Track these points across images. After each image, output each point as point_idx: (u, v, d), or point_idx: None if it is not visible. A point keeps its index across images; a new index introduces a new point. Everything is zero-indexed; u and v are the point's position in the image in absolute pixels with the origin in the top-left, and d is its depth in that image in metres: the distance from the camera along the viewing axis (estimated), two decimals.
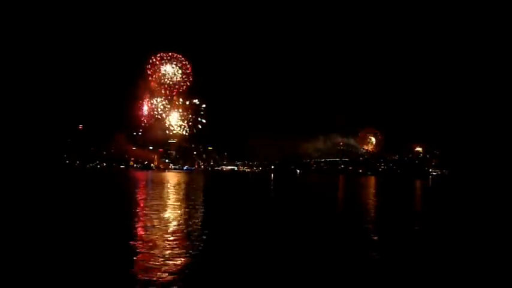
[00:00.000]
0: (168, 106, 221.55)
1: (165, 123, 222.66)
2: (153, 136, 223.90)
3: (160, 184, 52.21)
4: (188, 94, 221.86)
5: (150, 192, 37.19)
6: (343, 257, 11.78)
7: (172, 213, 20.47)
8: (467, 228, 18.77)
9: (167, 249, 11.73)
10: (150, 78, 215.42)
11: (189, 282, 8.98)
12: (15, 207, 21.38)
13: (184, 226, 16.53)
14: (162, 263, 10.22)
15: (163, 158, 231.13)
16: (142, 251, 11.52)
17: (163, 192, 36.96)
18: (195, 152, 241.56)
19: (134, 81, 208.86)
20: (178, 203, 26.56)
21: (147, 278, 8.94)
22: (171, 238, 13.51)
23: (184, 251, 11.69)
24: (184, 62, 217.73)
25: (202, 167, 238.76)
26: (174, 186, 46.99)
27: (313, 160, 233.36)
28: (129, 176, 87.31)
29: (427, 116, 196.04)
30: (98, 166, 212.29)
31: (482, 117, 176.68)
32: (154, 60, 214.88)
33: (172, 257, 10.86)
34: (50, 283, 8.68)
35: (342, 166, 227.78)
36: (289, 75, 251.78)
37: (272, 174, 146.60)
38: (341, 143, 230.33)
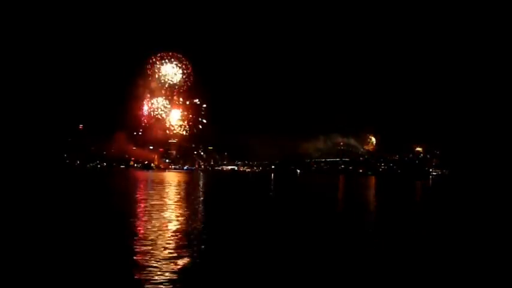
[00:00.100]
0: (169, 106, 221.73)
1: (166, 123, 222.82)
2: (153, 136, 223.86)
3: (161, 184, 52.21)
4: (188, 94, 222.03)
5: (150, 192, 37.19)
6: (343, 257, 11.79)
7: (172, 213, 20.48)
8: (467, 228, 18.77)
9: (167, 250, 11.73)
10: (150, 78, 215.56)
11: (189, 283, 8.99)
12: (15, 207, 21.39)
13: (184, 226, 16.54)
14: (162, 263, 10.21)
15: (164, 158, 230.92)
16: (143, 251, 11.52)
17: (164, 192, 36.97)
18: (195, 152, 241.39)
19: (134, 81, 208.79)
20: (179, 203, 26.56)
21: (147, 279, 8.94)
22: (172, 238, 13.52)
23: (184, 251, 11.70)
24: (184, 62, 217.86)
25: (203, 166, 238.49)
26: (174, 186, 47.00)
27: (313, 160, 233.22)
28: (130, 176, 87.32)
29: (427, 116, 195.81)
30: (98, 166, 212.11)
31: (482, 117, 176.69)
32: (154, 60, 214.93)
33: (173, 257, 10.87)
34: (49, 284, 8.68)
35: (342, 166, 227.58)
36: (289, 75, 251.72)
37: (272, 174, 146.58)
38: (341, 143, 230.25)
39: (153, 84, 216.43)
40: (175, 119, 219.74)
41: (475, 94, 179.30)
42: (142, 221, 17.92)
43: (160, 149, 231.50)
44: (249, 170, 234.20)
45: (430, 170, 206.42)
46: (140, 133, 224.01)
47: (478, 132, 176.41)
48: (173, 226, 16.24)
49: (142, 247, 11.99)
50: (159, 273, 9.36)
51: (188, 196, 34.69)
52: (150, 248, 11.91)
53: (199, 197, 34.26)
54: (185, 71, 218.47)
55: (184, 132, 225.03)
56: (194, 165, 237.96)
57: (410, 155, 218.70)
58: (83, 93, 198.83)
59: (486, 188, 64.80)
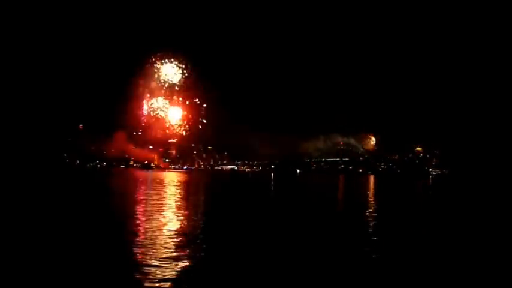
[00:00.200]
0: (168, 106, 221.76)
1: (165, 122, 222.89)
2: (153, 136, 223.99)
3: (161, 183, 52.20)
4: (188, 94, 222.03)
5: (150, 191, 37.17)
6: (342, 258, 11.77)
7: (172, 213, 20.46)
8: (467, 228, 18.75)
9: (167, 249, 11.71)
10: (150, 77, 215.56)
11: (189, 283, 8.96)
12: (15, 206, 21.36)
13: (185, 226, 16.53)
14: (162, 263, 10.19)
15: (164, 158, 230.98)
16: (143, 251, 11.50)
17: (164, 191, 36.94)
18: (195, 152, 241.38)
19: (134, 80, 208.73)
20: (179, 203, 26.54)
21: (147, 278, 8.92)
22: (172, 238, 13.50)
23: (185, 251, 11.69)
24: (184, 61, 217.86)
25: (203, 166, 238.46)
26: (174, 186, 46.99)
27: (313, 160, 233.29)
28: (129, 176, 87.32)
29: (427, 116, 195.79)
30: (98, 166, 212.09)
31: (482, 117, 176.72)
32: (154, 59, 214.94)
33: (173, 257, 10.85)
34: (49, 284, 8.66)
35: (342, 166, 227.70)
36: (289, 75, 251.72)
37: (272, 174, 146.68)
38: (341, 143, 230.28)
39: (153, 84, 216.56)
40: (175, 118, 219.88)
41: (474, 94, 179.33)
42: (142, 220, 17.90)
43: (160, 149, 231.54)
44: (248, 169, 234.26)
45: (430, 169, 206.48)
46: (140, 133, 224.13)
47: (478, 132, 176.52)
48: (173, 226, 16.23)
49: (142, 247, 11.98)
50: (159, 273, 9.35)
51: (188, 196, 34.68)
52: (150, 247, 11.90)
53: (200, 197, 34.27)
54: (185, 71, 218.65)
55: (184, 132, 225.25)
56: (194, 165, 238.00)
57: (410, 155, 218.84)
58: (82, 92, 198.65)
59: (486, 188, 64.80)
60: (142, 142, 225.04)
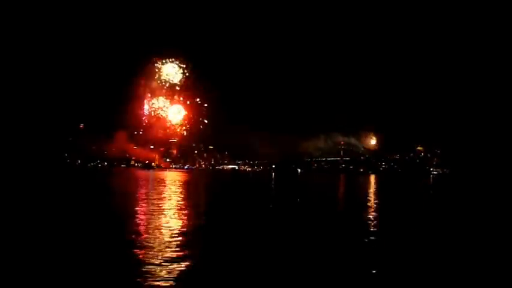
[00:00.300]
0: (169, 105, 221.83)
1: (166, 122, 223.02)
2: (154, 135, 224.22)
3: (162, 183, 52.26)
4: (189, 93, 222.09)
5: (151, 191, 37.23)
6: (343, 259, 11.82)
7: (173, 213, 20.50)
8: (467, 228, 18.78)
9: (168, 250, 11.71)
10: (151, 77, 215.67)
11: (189, 283, 9.01)
12: (16, 206, 21.44)
13: (185, 226, 16.58)
14: (162, 263, 10.20)
15: (165, 157, 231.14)
16: (143, 252, 11.50)
17: (165, 191, 36.99)
18: (196, 151, 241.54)
19: (135, 80, 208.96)
20: (180, 203, 26.57)
21: (147, 277, 8.95)
22: (172, 238, 13.50)
23: (185, 251, 11.68)
24: (185, 61, 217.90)
25: (203, 166, 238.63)
26: (175, 185, 47.04)
27: (314, 159, 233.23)
28: (130, 175, 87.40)
29: (428, 115, 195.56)
30: (99, 165, 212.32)
31: (482, 116, 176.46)
32: (155, 59, 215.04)
33: (173, 257, 10.85)
34: (49, 284, 8.71)
35: (343, 165, 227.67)
36: (290, 75, 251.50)
37: (273, 173, 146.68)
38: (342, 142, 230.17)
39: (154, 84, 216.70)
40: (175, 118, 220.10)
41: (475, 94, 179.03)
42: (143, 220, 17.96)
43: (161, 149, 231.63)
44: (249, 169, 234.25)
45: (431, 169, 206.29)
46: (141, 132, 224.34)
47: (478, 131, 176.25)
48: (174, 226, 16.25)
49: (143, 247, 11.99)
50: (159, 273, 9.36)
51: (189, 195, 34.74)
52: (151, 248, 11.92)
53: (201, 197, 34.34)
54: (186, 70, 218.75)
55: (184, 132, 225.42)
56: (195, 165, 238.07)
57: (411, 154, 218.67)
58: (83, 92, 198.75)
59: (487, 187, 64.74)
60: (143, 142, 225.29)
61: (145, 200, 27.56)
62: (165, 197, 30.12)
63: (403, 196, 43.80)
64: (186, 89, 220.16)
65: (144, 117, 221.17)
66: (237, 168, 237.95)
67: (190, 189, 43.94)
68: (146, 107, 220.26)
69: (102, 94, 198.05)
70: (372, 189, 53.29)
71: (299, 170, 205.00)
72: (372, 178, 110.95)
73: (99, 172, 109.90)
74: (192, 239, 13.66)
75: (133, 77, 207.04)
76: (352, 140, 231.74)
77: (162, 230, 14.93)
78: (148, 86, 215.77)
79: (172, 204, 25.00)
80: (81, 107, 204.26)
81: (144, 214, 20.05)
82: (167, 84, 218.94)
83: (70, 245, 12.14)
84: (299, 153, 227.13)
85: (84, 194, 33.33)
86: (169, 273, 9.40)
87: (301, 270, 10.14)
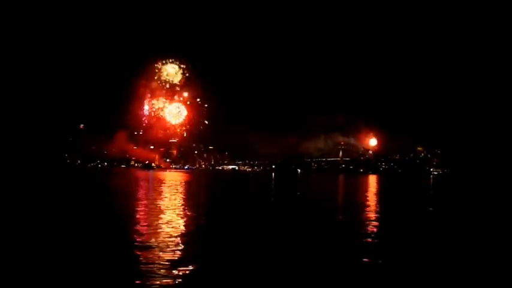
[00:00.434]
0: (169, 106, 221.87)
1: (166, 122, 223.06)
2: (154, 136, 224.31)
3: (162, 183, 52.25)
4: (189, 94, 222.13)
5: (151, 192, 37.23)
6: (342, 260, 11.81)
7: (173, 213, 20.47)
8: (468, 228, 18.77)
9: (168, 252, 11.64)
10: (151, 77, 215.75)
11: (189, 283, 8.99)
12: (16, 207, 21.43)
13: (186, 227, 16.57)
14: (162, 266, 10.14)
15: (165, 158, 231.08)
16: (143, 253, 11.45)
17: (165, 192, 36.99)
18: (196, 152, 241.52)
19: (135, 80, 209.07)
20: (180, 203, 26.58)
21: (147, 281, 8.92)
22: (172, 239, 13.48)
23: (185, 253, 11.65)
24: (185, 62, 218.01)
25: (203, 166, 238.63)
26: (175, 186, 47.03)
27: (314, 159, 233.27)
28: (130, 176, 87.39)
29: (428, 116, 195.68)
30: (99, 166, 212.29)
31: (482, 116, 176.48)
32: (155, 59, 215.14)
33: (174, 259, 10.79)
34: (48, 285, 8.70)
35: (343, 165, 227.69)
36: (290, 75, 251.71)
37: (273, 174, 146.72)
38: (342, 142, 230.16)
39: (154, 84, 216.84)
40: (175, 118, 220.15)
41: (475, 94, 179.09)
42: (142, 221, 17.94)
43: (161, 149, 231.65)
44: (249, 169, 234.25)
45: (431, 169, 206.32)
46: (141, 133, 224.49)
47: (478, 131, 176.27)
48: (174, 226, 16.22)
49: (143, 248, 11.96)
50: (159, 273, 9.35)
51: (189, 196, 34.75)
52: (151, 247, 11.89)
53: (201, 197, 34.33)
54: (186, 71, 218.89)
55: (184, 132, 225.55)
56: (195, 165, 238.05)
57: (411, 155, 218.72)
58: (83, 92, 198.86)
59: (486, 187, 64.74)
60: (143, 142, 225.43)
61: (145, 200, 27.55)
62: (165, 197, 30.11)
63: (402, 196, 43.77)
64: (186, 89, 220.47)
65: (144, 118, 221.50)
66: (237, 168, 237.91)
67: (190, 190, 43.93)
68: (146, 107, 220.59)
69: (102, 94, 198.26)
70: (371, 189, 53.27)
71: (299, 170, 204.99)
72: (371, 178, 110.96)
73: (99, 172, 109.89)
74: (192, 239, 13.65)
75: (134, 78, 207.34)
76: (352, 140, 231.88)
77: (162, 230, 14.90)
78: (148, 86, 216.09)
79: (172, 204, 24.98)
80: (81, 107, 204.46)
81: (144, 214, 20.04)
82: (167, 85, 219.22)
83: (70, 245, 12.12)
84: (299, 154, 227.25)
85: (84, 195, 33.31)
86: (169, 273, 9.39)
87: (300, 273, 10.12)
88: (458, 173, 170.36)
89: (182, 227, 16.17)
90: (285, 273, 9.94)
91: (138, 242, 12.83)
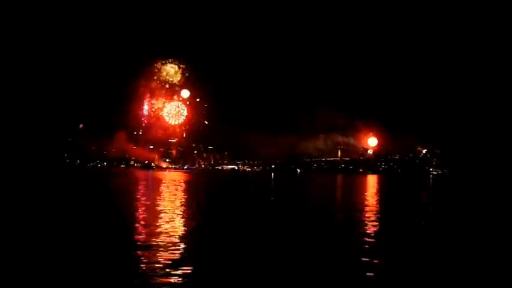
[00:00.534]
0: (169, 106, 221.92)
1: (166, 122, 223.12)
2: (153, 135, 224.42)
3: (161, 183, 52.23)
4: (189, 94, 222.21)
5: (151, 192, 37.22)
6: (341, 260, 11.84)
7: (173, 213, 20.47)
8: (468, 229, 18.79)
9: (168, 252, 11.67)
10: (151, 77, 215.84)
11: (189, 283, 9.01)
12: (16, 207, 21.43)
13: (185, 227, 16.58)
14: (162, 266, 10.16)
15: (164, 158, 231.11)
16: (143, 253, 11.47)
17: (165, 192, 36.98)
18: (195, 152, 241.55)
19: (135, 80, 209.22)
20: (179, 203, 26.59)
21: (147, 281, 8.93)
22: (172, 239, 13.49)
23: (185, 253, 11.66)
24: (185, 62, 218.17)
25: (203, 166, 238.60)
26: (174, 186, 47.02)
27: (313, 159, 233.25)
28: (130, 176, 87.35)
29: (428, 116, 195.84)
30: (99, 165, 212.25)
31: (482, 116, 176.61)
32: (155, 59, 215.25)
33: (173, 259, 10.81)
34: (48, 285, 8.72)
35: (343, 165, 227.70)
36: (290, 75, 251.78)
37: (273, 174, 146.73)
38: (341, 142, 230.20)
39: (154, 84, 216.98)
40: (175, 118, 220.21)
41: (475, 94, 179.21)
42: (142, 221, 17.96)
43: (161, 149, 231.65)
44: (249, 169, 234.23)
45: (431, 169, 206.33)
46: (140, 133, 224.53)
47: (478, 131, 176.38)
48: (174, 226, 16.25)
49: (142, 248, 11.99)
50: (159, 274, 9.37)
51: (189, 196, 34.74)
52: (151, 247, 11.92)
53: (200, 197, 34.31)
54: (186, 71, 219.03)
55: (184, 132, 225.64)
56: (194, 165, 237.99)
57: (411, 155, 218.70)
58: (83, 92, 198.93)
59: (486, 187, 64.77)
60: (142, 142, 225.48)
61: (144, 200, 27.54)
62: (164, 197, 30.12)
63: (401, 196, 43.79)
64: (186, 89, 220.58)
65: (144, 118, 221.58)
66: (236, 168, 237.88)
67: (189, 190, 43.93)
68: (146, 107, 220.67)
69: (102, 94, 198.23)
70: (370, 189, 53.28)
71: (298, 170, 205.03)
72: (371, 178, 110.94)
73: (98, 172, 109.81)
74: (192, 239, 13.67)
75: (133, 78, 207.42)
76: (352, 140, 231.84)
77: (162, 230, 14.91)
78: (148, 86, 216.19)
79: (171, 204, 24.99)
80: (81, 107, 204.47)
81: (144, 214, 20.05)
82: (167, 85, 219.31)
83: (70, 245, 12.14)
84: (299, 154, 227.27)
85: (83, 195, 33.30)
86: (169, 273, 9.41)
87: (300, 274, 10.15)
88: (458, 173, 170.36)
89: (182, 227, 16.19)
90: (285, 273, 9.97)
91: (138, 242, 12.85)
